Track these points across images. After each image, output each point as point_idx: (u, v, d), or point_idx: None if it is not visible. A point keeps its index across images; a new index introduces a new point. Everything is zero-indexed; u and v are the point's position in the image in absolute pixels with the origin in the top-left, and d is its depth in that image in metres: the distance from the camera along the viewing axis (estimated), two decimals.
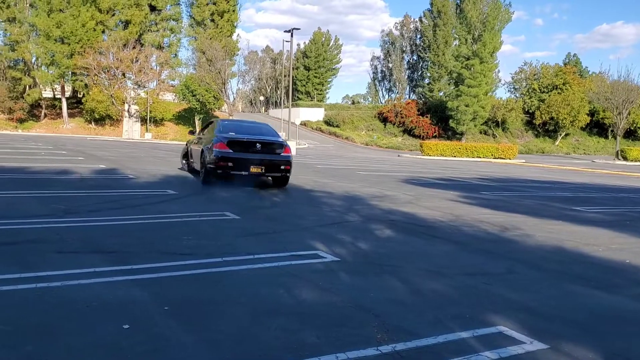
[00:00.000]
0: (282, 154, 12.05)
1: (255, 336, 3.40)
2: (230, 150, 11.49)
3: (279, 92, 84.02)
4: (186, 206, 8.62)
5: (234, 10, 58.36)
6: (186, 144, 15.03)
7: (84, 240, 5.72)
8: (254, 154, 11.67)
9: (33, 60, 49.05)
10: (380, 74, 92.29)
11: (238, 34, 66.09)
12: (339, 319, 3.80)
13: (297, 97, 78.91)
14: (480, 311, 4.13)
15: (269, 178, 12.32)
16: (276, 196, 10.56)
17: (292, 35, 44.50)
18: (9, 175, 11.51)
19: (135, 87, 49.80)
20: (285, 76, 68.12)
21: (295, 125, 50.24)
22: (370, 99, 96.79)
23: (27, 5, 47.66)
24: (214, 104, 50.51)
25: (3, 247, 5.24)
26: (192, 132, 15.04)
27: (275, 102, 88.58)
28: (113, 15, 50.73)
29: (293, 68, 59.33)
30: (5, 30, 48.60)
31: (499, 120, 65.12)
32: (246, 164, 11.43)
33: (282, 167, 11.83)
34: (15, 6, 47.18)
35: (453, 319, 3.91)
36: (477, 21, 58.44)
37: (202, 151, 12.04)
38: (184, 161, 14.98)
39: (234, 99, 52.63)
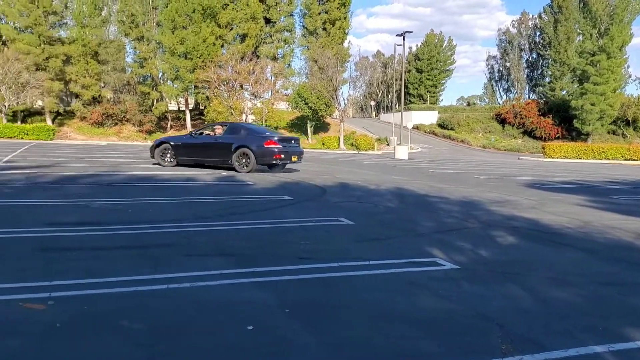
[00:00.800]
0: (300, 146, 17.44)
1: (374, 342, 3.39)
2: (280, 146, 15.90)
3: (390, 96, 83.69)
4: (302, 211, 8.81)
5: (345, 18, 59.08)
6: (164, 143, 17.28)
7: (210, 243, 6.02)
8: (291, 147, 16.40)
9: (160, 75, 52.71)
10: (497, 74, 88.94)
11: (349, 41, 66.85)
12: (460, 328, 3.68)
13: (409, 100, 78.13)
14: (615, 323, 3.82)
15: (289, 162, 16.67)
16: (391, 202, 10.49)
17: (404, 39, 44.20)
18: (141, 183, 12.42)
19: (252, 97, 51.89)
20: (396, 80, 67.74)
21: (407, 129, 49.79)
22: (486, 100, 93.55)
23: (154, 24, 51.31)
24: (325, 110, 51.37)
25: (137, 250, 5.64)
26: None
27: (387, 106, 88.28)
28: (231, 29, 53.28)
29: (405, 71, 58.94)
30: (135, 48, 52.66)
31: (630, 119, 60.26)
32: (288, 155, 16.20)
33: (302, 155, 17.04)
34: (143, 25, 50.97)
35: (584, 331, 3.66)
36: (603, 14, 54.60)
37: (245, 147, 15.77)
38: (164, 156, 17.15)
39: (345, 105, 53.15)
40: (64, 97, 52.17)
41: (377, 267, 5.20)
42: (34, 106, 50.00)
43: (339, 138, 49.78)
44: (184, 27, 48.54)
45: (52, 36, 49.22)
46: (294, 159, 16.54)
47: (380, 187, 13.34)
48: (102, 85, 51.58)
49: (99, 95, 50.96)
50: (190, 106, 55.41)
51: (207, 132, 17.68)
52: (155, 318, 3.66)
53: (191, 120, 53.29)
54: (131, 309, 3.80)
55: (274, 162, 16.13)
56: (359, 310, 3.98)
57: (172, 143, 17.02)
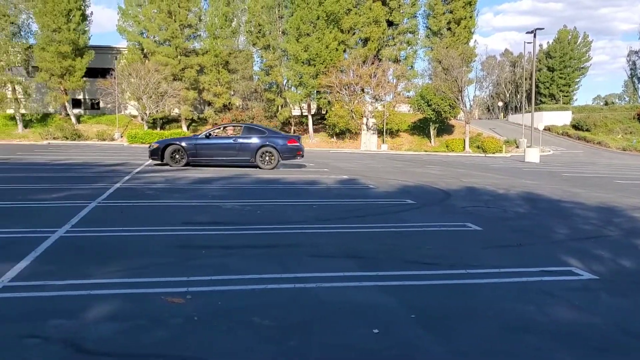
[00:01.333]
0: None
1: (505, 352, 3.24)
2: (299, 144, 18.27)
3: (519, 96, 79.97)
4: (426, 216, 8.66)
5: (471, 17, 57.39)
6: (173, 144, 17.47)
7: (335, 245, 6.10)
8: (300, 144, 18.49)
9: (284, 82, 54.51)
10: (639, 70, 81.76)
11: (475, 40, 64.78)
12: (600, 343, 3.42)
13: (540, 100, 74.09)
14: None
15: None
16: (521, 207, 10.00)
17: (534, 36, 42.03)
18: (267, 185, 12.90)
19: (373, 101, 52.01)
20: (526, 79, 64.57)
21: (538, 130, 47.23)
22: (626, 99, 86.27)
23: (280, 33, 53.18)
24: (449, 112, 50.20)
25: (266, 249, 5.86)
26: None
27: (515, 107, 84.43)
28: (353, 34, 53.82)
29: (535, 70, 56.05)
30: (262, 56, 54.95)
31: None
32: (303, 151, 18.51)
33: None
34: (269, 34, 53.01)
35: None
36: None
37: (269, 146, 17.52)
38: (174, 156, 17.32)
39: (471, 106, 51.52)
40: (197, 105, 55.62)
41: (507, 275, 4.97)
42: (171, 114, 53.81)
43: (464, 140, 48.41)
44: (308, 35, 49.82)
45: (187, 48, 52.73)
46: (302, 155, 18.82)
47: (509, 191, 12.77)
48: (232, 93, 54.34)
49: (229, 102, 53.77)
50: (313, 111, 56.70)
51: (220, 133, 18.87)
52: (284, 316, 3.77)
53: (313, 124, 54.52)
54: (261, 306, 3.95)
55: (296, 158, 18.35)
56: (488, 319, 3.83)
57: (183, 144, 17.51)
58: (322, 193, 11.57)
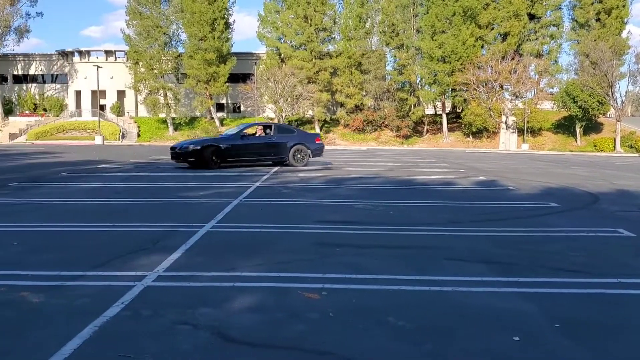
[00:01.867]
0: None
1: None
2: (322, 142, 19.60)
3: None
4: (571, 220, 8.10)
5: (624, 6, 52.76)
6: (211, 146, 16.92)
7: (469, 249, 5.92)
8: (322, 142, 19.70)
9: (417, 81, 53.93)
10: None
11: (629, 31, 59.49)
12: None
13: None
14: None
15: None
16: None
17: None
18: (401, 186, 12.84)
19: (513, 98, 49.72)
20: None
21: None
22: None
23: (414, 31, 52.69)
24: (597, 109, 46.58)
25: (398, 250, 5.84)
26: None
27: None
28: (492, 29, 51.86)
29: None
30: (395, 56, 54.79)
31: None
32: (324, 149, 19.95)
33: None
34: (403, 33, 52.73)
35: None
36: None
37: (302, 144, 18.16)
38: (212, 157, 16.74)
39: (623, 102, 47.38)
40: (330, 107, 56.85)
41: None
42: (305, 115, 55.51)
43: (614, 139, 44.66)
44: (443, 32, 48.86)
45: (321, 51, 54.09)
46: None
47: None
48: (364, 93, 54.82)
49: (361, 103, 54.29)
50: (447, 109, 55.44)
51: (250, 133, 18.50)
52: (420, 318, 3.73)
53: (447, 123, 53.30)
54: (396, 307, 3.94)
55: (320, 155, 19.32)
56: None
57: (222, 145, 17.05)
58: (457, 195, 11.28)
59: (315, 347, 3.21)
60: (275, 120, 53.29)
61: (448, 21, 48.88)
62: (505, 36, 52.81)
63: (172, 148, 17.59)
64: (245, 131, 18.23)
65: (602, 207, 9.50)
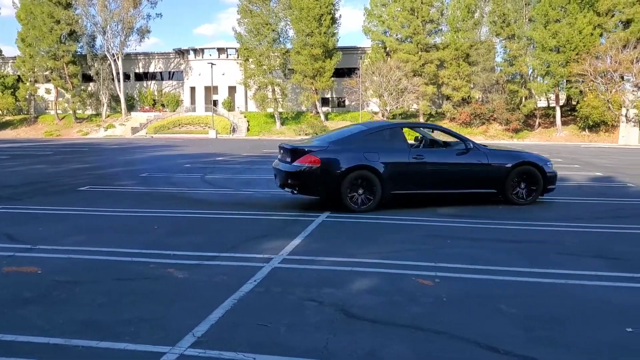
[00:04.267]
0: None
1: None
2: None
3: None
4: None
5: None
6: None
7: (584, 244, 5.91)
8: None
9: (529, 72, 51.73)
10: None
11: None
12: None
13: None
14: None
15: None
16: None
17: None
18: None
19: (635, 89, 46.40)
20: None
21: None
22: None
23: (526, 20, 50.57)
24: None
25: (512, 244, 5.95)
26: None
27: None
28: (612, 16, 48.59)
29: None
30: (505, 47, 52.87)
31: None
32: None
33: None
34: (514, 23, 50.78)
35: None
36: None
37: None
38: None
39: None
40: (435, 100, 55.97)
41: None
42: (410, 109, 55.10)
43: None
44: (557, 20, 46.53)
45: (428, 43, 53.37)
46: None
47: None
48: (472, 86, 53.45)
49: (468, 96, 52.99)
50: (561, 102, 52.77)
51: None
52: (532, 307, 3.90)
53: (561, 116, 50.78)
54: (509, 296, 4.13)
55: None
56: None
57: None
58: (571, 190, 10.97)
59: (432, 327, 3.50)
60: (380, 114, 53.45)
61: (563, 9, 46.40)
62: (627, 23, 49.18)
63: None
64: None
65: None
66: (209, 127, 53.45)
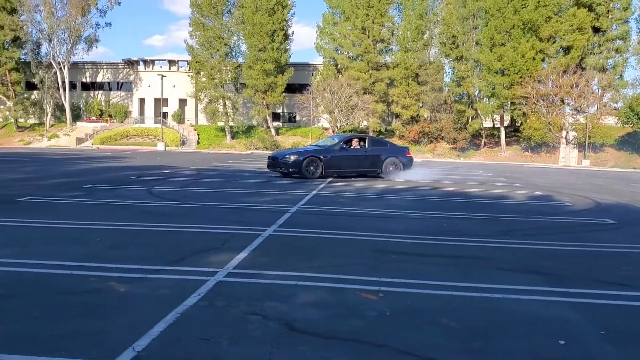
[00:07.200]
0: None
1: None
2: (411, 155, 19.63)
3: None
4: (627, 237, 8.12)
5: None
6: (311, 156, 17.10)
7: (521, 260, 6.13)
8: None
9: (476, 93, 53.39)
10: None
11: None
12: None
13: None
14: None
15: None
16: None
17: None
18: (455, 198, 13.00)
19: (574, 112, 48.54)
20: None
21: None
22: None
23: (473, 43, 52.26)
24: None
25: (452, 260, 6.11)
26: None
27: None
28: (553, 42, 50.80)
29: None
30: (453, 68, 54.45)
31: None
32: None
33: None
34: (462, 45, 52.40)
35: None
36: None
37: (394, 157, 18.29)
38: (308, 168, 16.89)
39: None
40: (385, 117, 56.97)
41: None
42: (360, 126, 55.84)
43: None
44: (502, 44, 48.29)
45: (378, 62, 54.41)
46: None
47: None
48: (420, 105, 54.70)
49: (417, 114, 54.20)
50: (505, 123, 54.63)
51: (348, 145, 18.09)
52: (469, 320, 4.03)
53: (505, 137, 52.51)
54: (448, 310, 4.24)
55: (411, 169, 18.86)
56: None
57: (322, 157, 17.08)
58: (511, 208, 11.36)
59: (373, 340, 3.56)
60: (330, 130, 53.88)
61: (507, 34, 48.23)
62: (567, 50, 51.57)
63: (273, 157, 17.79)
64: (342, 143, 18.02)
65: None
66: (157, 140, 52.57)
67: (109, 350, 3.25)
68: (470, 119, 54.06)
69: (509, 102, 51.15)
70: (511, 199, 13.18)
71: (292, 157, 17.08)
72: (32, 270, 5.10)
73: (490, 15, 48.56)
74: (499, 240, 7.34)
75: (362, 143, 18.46)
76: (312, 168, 16.87)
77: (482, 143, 54.00)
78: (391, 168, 18.12)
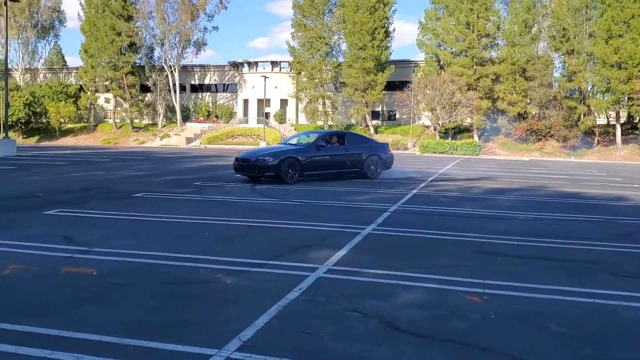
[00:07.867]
0: None
1: None
2: (392, 153, 17.89)
3: None
4: None
5: None
6: (289, 158, 14.45)
7: (638, 266, 5.70)
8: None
9: (589, 88, 50.27)
10: None
11: None
12: None
13: None
14: None
15: None
16: None
17: None
18: (566, 199, 12.32)
19: None
20: None
21: None
22: None
23: (586, 35, 49.26)
24: None
25: (558, 262, 5.79)
26: None
27: None
28: None
29: None
30: (564, 62, 51.57)
31: None
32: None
33: None
34: (574, 38, 49.51)
35: None
36: None
37: (376, 155, 16.48)
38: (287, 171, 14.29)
39: None
40: (490, 114, 55.00)
41: None
42: (463, 123, 54.35)
43: None
44: (620, 36, 45.11)
45: (483, 57, 52.62)
46: None
47: None
48: (528, 101, 52.32)
49: (524, 111, 51.88)
50: (622, 120, 50.98)
51: (326, 143, 15.72)
52: (580, 327, 3.81)
53: (622, 134, 49.01)
54: (557, 314, 4.03)
55: (390, 167, 17.29)
56: None
57: (300, 158, 14.62)
58: (629, 211, 10.58)
59: (476, 344, 3.46)
60: (431, 128, 52.93)
61: (626, 24, 44.96)
62: None
63: (243, 159, 14.81)
64: (321, 141, 15.71)
65: None
66: (260, 139, 54.22)
67: (216, 339, 3.39)
68: (582, 115, 50.93)
69: (626, 98, 47.65)
70: (629, 200, 12.29)
71: (268, 159, 14.29)
72: (147, 261, 5.45)
73: (607, 5, 45.48)
74: (616, 244, 6.86)
75: (340, 140, 16.27)
76: (291, 171, 14.33)
77: (595, 141, 50.72)
78: (373, 167, 16.22)
